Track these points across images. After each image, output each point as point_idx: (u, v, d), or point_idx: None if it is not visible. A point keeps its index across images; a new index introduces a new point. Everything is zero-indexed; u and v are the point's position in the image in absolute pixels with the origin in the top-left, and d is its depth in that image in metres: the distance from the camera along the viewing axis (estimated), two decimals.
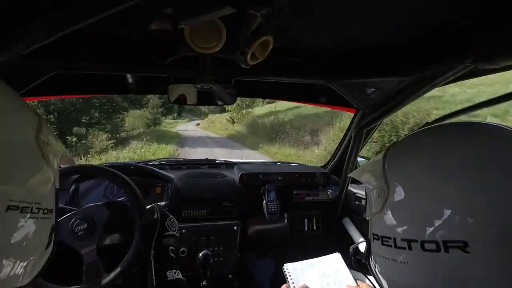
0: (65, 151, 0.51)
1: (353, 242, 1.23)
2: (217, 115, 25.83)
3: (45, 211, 0.41)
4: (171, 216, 0.94)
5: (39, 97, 1.06)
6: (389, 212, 0.45)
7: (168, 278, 0.78)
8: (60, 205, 0.96)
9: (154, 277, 0.79)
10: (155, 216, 0.88)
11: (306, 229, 1.49)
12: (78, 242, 0.84)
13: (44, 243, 0.42)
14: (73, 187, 1.17)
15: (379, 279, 0.51)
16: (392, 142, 0.56)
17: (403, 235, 0.41)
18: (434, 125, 0.56)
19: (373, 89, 1.05)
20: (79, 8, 0.44)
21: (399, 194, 0.44)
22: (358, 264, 0.65)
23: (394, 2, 0.56)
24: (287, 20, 0.65)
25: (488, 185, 0.37)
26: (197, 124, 28.43)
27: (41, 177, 0.41)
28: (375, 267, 0.51)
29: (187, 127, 26.69)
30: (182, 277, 0.81)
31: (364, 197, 1.31)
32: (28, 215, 0.37)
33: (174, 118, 39.14)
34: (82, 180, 1.22)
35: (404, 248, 0.41)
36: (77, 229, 0.85)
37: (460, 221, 0.36)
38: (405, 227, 0.42)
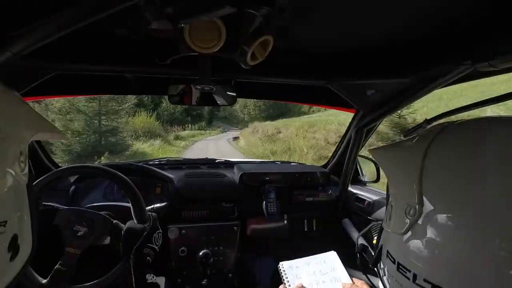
0: (40, 119, 0.43)
1: (353, 243, 1.23)
2: (266, 122, 16.83)
3: (2, 223, 0.34)
4: (159, 230, 0.97)
5: (39, 97, 1.06)
6: (414, 240, 0.35)
7: (148, 281, 0.84)
8: (60, 205, 0.96)
9: (133, 280, 0.84)
10: (147, 224, 0.91)
11: (305, 229, 1.49)
12: (78, 241, 0.84)
13: (3, 258, 0.35)
14: (73, 187, 1.17)
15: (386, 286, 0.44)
16: (440, 127, 0.39)
17: (428, 276, 0.33)
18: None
19: (373, 89, 1.05)
20: (79, 8, 0.44)
21: (435, 223, 0.33)
22: (362, 264, 0.59)
23: (394, 3, 0.56)
24: (287, 20, 0.65)
25: None
26: (234, 139, 18.19)
27: None
28: (385, 278, 0.44)
29: (217, 142, 17.43)
30: (157, 282, 0.90)
31: (364, 198, 1.31)
32: None
33: (201, 128, 27.99)
34: (82, 180, 1.22)
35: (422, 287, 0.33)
36: (78, 229, 0.85)
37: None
38: (433, 268, 0.33)
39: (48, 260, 0.81)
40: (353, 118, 1.33)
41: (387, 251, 0.41)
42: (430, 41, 0.69)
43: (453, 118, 0.47)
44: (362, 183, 1.50)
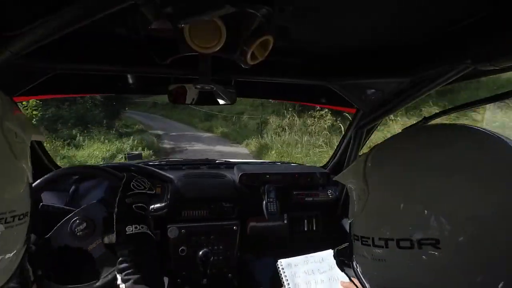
0: (36, 131, 0.47)
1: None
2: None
3: (21, 216, 0.37)
4: (138, 177, 0.91)
5: (38, 96, 1.07)
6: (368, 213, 0.47)
7: (127, 233, 0.75)
8: (60, 205, 0.96)
9: (115, 235, 0.78)
10: (123, 180, 0.87)
11: (305, 229, 1.49)
12: (79, 242, 0.84)
13: (20, 245, 0.39)
14: (73, 187, 1.17)
15: (361, 278, 0.53)
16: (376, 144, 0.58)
17: (380, 235, 0.44)
18: (418, 125, 0.59)
19: (373, 89, 1.05)
20: (79, 8, 0.44)
21: (377, 195, 0.46)
22: (342, 265, 0.66)
23: (394, 2, 0.56)
24: (287, 20, 0.65)
25: (461, 186, 0.39)
26: None
27: (13, 178, 0.37)
28: (357, 267, 0.53)
29: None
30: (146, 231, 0.78)
31: None
32: (2, 226, 0.34)
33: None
34: (82, 181, 1.22)
35: (382, 247, 0.43)
36: (77, 229, 0.85)
37: (433, 220, 0.39)
38: (382, 227, 0.44)
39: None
40: (353, 118, 1.33)
41: (354, 234, 0.51)
42: (430, 40, 0.69)
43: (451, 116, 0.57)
44: None
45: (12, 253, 0.38)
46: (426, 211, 0.39)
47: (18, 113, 0.42)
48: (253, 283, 1.41)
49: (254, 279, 1.42)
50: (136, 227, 0.77)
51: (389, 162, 0.49)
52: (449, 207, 0.39)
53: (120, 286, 0.70)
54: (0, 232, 0.34)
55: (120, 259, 0.74)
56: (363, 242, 0.47)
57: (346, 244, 0.63)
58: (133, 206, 0.82)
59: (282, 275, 0.87)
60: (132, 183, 0.86)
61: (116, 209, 0.80)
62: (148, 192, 0.89)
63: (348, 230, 1.33)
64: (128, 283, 0.69)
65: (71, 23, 0.45)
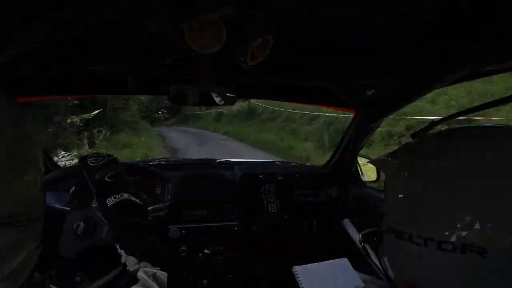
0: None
1: (353, 244, 1.23)
2: None
3: (35, 219, 0.37)
4: (90, 154, 0.83)
5: (39, 97, 1.07)
6: (408, 208, 0.45)
7: (108, 205, 0.71)
8: (59, 206, 0.96)
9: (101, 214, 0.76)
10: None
11: (306, 229, 1.49)
12: (81, 241, 0.85)
13: (33, 246, 0.39)
14: (73, 188, 1.17)
15: (388, 270, 0.51)
16: (423, 129, 0.55)
17: (420, 232, 0.41)
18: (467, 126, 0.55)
19: (373, 89, 1.05)
20: (79, 8, 0.44)
21: (421, 189, 0.44)
22: (366, 252, 0.66)
23: (394, 2, 0.56)
24: (287, 20, 0.65)
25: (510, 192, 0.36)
26: None
27: (27, 182, 0.37)
28: (385, 259, 0.51)
29: None
30: (126, 198, 0.74)
31: (364, 198, 1.31)
32: (16, 229, 0.34)
33: None
34: (81, 181, 1.22)
35: (419, 245, 0.41)
36: (78, 229, 0.85)
37: (480, 226, 0.36)
38: (423, 225, 0.42)
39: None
40: (353, 118, 1.33)
41: (388, 226, 0.48)
42: (430, 40, 0.69)
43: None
44: (362, 183, 1.50)
45: (25, 256, 0.37)
46: (475, 217, 0.37)
47: (29, 116, 0.42)
48: (253, 283, 1.41)
49: (254, 279, 1.42)
50: (115, 197, 0.72)
51: (442, 156, 0.44)
52: (501, 215, 0.36)
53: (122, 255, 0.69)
54: (16, 235, 0.34)
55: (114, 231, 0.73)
56: (399, 237, 0.45)
57: (374, 229, 0.62)
58: (105, 178, 0.76)
59: (298, 281, 0.89)
60: (89, 160, 0.80)
61: (93, 189, 0.77)
62: (108, 159, 0.82)
63: (348, 230, 1.33)
64: (123, 254, 0.67)
65: (71, 23, 0.45)
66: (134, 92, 1.24)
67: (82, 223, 0.86)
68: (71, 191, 1.16)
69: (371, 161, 0.52)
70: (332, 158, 1.59)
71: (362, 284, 0.82)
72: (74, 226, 0.85)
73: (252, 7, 0.53)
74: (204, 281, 1.23)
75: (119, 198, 0.72)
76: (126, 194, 0.74)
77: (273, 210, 1.33)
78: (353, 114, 1.33)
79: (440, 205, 0.40)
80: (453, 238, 0.38)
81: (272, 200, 1.35)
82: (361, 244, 0.66)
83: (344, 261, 0.95)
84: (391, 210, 0.50)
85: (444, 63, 0.68)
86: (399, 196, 0.48)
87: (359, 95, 1.10)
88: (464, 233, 0.37)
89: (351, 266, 0.92)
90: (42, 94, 1.05)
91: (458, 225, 0.38)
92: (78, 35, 0.63)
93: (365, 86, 1.06)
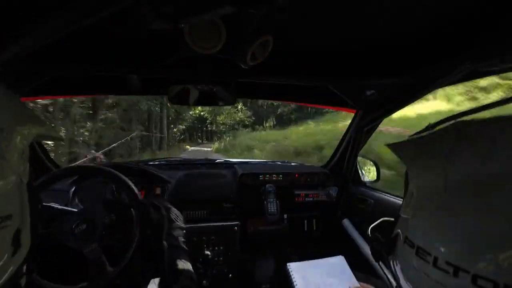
0: (40, 122, 0.44)
1: (353, 244, 1.23)
2: None
3: (1, 219, 0.34)
4: (174, 209, 0.95)
5: (38, 97, 1.07)
6: (438, 221, 0.35)
7: (178, 267, 0.76)
8: (60, 206, 0.96)
9: (166, 266, 0.78)
10: (162, 211, 0.89)
11: (305, 229, 1.49)
12: (78, 242, 0.84)
13: (4, 254, 0.35)
14: (73, 188, 1.17)
15: (400, 279, 0.43)
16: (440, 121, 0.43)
17: (450, 258, 0.31)
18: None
19: (373, 90, 1.05)
20: (79, 8, 0.44)
21: (462, 201, 0.32)
22: (376, 254, 0.56)
23: (394, 3, 0.56)
24: (287, 21, 0.65)
25: None
26: None
27: None
28: (397, 268, 0.43)
29: None
30: (191, 269, 0.79)
31: (364, 198, 1.31)
32: None
33: None
34: (81, 181, 1.22)
35: (447, 272, 0.31)
36: (77, 230, 0.85)
37: None
38: (456, 249, 0.32)
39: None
40: (353, 118, 1.33)
41: (405, 237, 0.39)
42: (430, 41, 0.69)
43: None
44: (362, 183, 1.50)
45: None
46: None
47: (16, 104, 0.39)
48: (253, 283, 1.41)
49: (254, 279, 1.42)
50: (184, 262, 0.78)
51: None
52: None
53: None
54: None
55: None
56: (420, 255, 0.35)
57: (386, 220, 0.50)
58: (180, 239, 0.85)
59: (292, 279, 0.87)
60: (172, 215, 0.90)
61: (165, 242, 0.82)
62: (183, 226, 0.92)
63: (348, 230, 1.33)
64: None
65: (71, 24, 0.45)
66: (134, 92, 1.23)
67: (81, 225, 0.86)
68: (70, 191, 1.16)
69: (388, 145, 0.40)
70: (332, 158, 1.59)
71: (357, 284, 0.82)
72: (73, 228, 0.85)
73: (252, 8, 0.53)
74: (204, 281, 1.23)
75: (187, 267, 0.78)
76: (189, 265, 0.80)
77: (273, 210, 1.33)
78: (353, 114, 1.33)
79: (487, 226, 0.30)
80: (497, 274, 0.28)
81: (272, 200, 1.34)
82: (372, 242, 0.58)
83: (340, 259, 0.95)
84: (412, 217, 0.39)
85: (444, 63, 0.68)
86: (423, 198, 0.38)
87: (359, 95, 1.10)
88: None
89: (347, 265, 0.92)
90: (42, 94, 1.05)
91: (507, 256, 0.28)
92: (78, 35, 0.63)
93: (365, 86, 1.05)
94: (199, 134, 30.61)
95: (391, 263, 0.44)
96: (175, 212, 0.93)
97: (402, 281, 0.41)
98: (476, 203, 0.31)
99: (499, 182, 0.30)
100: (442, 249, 0.33)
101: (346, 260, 0.96)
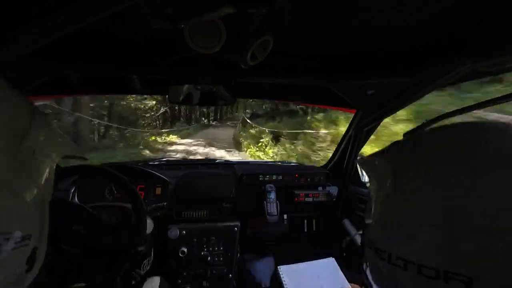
0: (68, 143, 0.44)
1: (354, 244, 1.23)
2: None
3: (22, 238, 0.34)
4: (151, 258, 0.96)
5: (38, 97, 1.07)
6: (389, 221, 0.40)
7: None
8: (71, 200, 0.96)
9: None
10: (143, 248, 0.90)
11: (305, 229, 1.49)
12: (76, 243, 0.84)
13: (20, 271, 0.35)
14: (73, 188, 1.17)
15: (371, 283, 0.47)
16: (415, 129, 0.51)
17: (399, 253, 0.36)
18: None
19: (373, 90, 1.05)
20: (79, 8, 0.44)
21: (402, 200, 0.38)
22: (348, 261, 0.61)
23: (394, 3, 0.56)
24: (287, 21, 0.65)
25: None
26: None
27: (19, 200, 0.34)
28: (367, 272, 0.47)
29: None
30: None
31: (364, 198, 1.31)
32: None
33: None
34: (82, 181, 1.22)
35: (399, 267, 0.36)
36: (76, 230, 0.85)
37: (467, 250, 0.30)
38: (403, 244, 0.37)
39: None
40: (353, 118, 1.33)
41: (368, 240, 0.45)
42: (430, 41, 0.69)
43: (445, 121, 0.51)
44: (362, 183, 1.50)
45: (11, 282, 0.34)
46: (467, 237, 0.30)
47: (48, 129, 0.40)
48: (253, 283, 1.41)
49: (254, 279, 1.42)
50: None
51: (441, 159, 0.36)
52: (497, 238, 0.29)
53: None
54: None
55: None
56: (379, 254, 0.40)
57: (355, 233, 0.56)
58: (132, 281, 0.92)
59: (283, 281, 0.87)
60: (144, 262, 0.97)
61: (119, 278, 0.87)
62: (140, 275, 0.98)
63: (348, 230, 1.33)
64: None
65: (71, 24, 0.45)
66: (134, 92, 1.23)
67: (82, 224, 0.86)
68: (71, 191, 1.16)
69: (357, 160, 0.46)
70: (332, 158, 1.59)
71: (348, 285, 0.82)
72: (74, 227, 0.85)
73: (252, 8, 0.53)
74: (204, 282, 1.23)
75: None
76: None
77: (273, 210, 1.33)
78: (353, 114, 1.33)
79: (425, 220, 0.34)
80: (435, 263, 0.32)
81: (272, 200, 1.34)
82: (343, 252, 0.63)
83: (331, 261, 0.95)
84: (372, 221, 0.45)
85: (444, 63, 0.68)
86: (379, 204, 0.43)
87: (359, 95, 1.10)
88: (450, 258, 0.31)
89: (337, 266, 0.92)
90: (42, 94, 1.05)
91: (443, 246, 0.32)
92: (78, 35, 0.63)
93: (365, 86, 1.05)
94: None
95: (363, 265, 0.49)
96: (149, 260, 0.99)
97: (371, 282, 0.46)
98: (422, 196, 0.36)
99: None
100: (394, 245, 0.38)
101: (346, 260, 0.96)
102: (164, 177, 1.31)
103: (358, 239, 1.24)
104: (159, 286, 1.03)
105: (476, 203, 0.31)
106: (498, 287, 0.29)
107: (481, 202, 0.31)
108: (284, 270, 0.91)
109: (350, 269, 0.97)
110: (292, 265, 0.93)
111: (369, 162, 0.53)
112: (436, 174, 0.36)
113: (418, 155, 0.40)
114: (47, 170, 0.39)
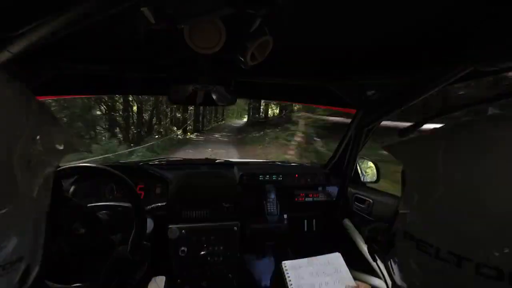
0: (71, 144, 0.42)
1: (353, 244, 1.23)
2: None
3: (12, 263, 0.31)
4: (145, 266, 0.95)
5: (39, 97, 1.07)
6: (438, 211, 0.35)
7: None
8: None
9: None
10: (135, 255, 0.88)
11: (305, 229, 1.49)
12: (75, 243, 0.84)
13: None
14: (72, 188, 1.17)
15: (397, 279, 0.43)
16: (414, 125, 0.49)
17: (452, 248, 0.31)
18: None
19: (373, 89, 1.05)
20: (79, 9, 0.44)
21: (460, 189, 0.33)
22: (373, 254, 0.55)
23: (394, 3, 0.56)
24: (287, 21, 0.65)
25: None
26: None
27: (11, 219, 0.31)
28: (395, 265, 0.43)
29: None
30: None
31: (364, 198, 1.31)
32: None
33: None
34: (82, 181, 1.22)
35: (449, 262, 0.31)
36: (75, 230, 0.84)
37: None
38: (458, 238, 0.32)
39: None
40: (353, 118, 1.33)
41: (404, 232, 0.39)
42: (430, 41, 0.69)
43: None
44: (362, 183, 1.51)
45: None
46: None
47: (53, 136, 0.38)
48: (253, 283, 1.41)
49: (254, 279, 1.42)
50: None
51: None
52: None
53: None
54: None
55: None
56: (420, 247, 0.35)
57: (380, 225, 0.50)
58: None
59: (286, 277, 0.86)
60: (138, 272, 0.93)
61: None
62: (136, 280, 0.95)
63: (348, 230, 1.32)
64: None
65: (71, 24, 0.45)
66: (134, 92, 1.24)
67: (80, 225, 0.86)
68: (70, 191, 1.16)
69: (383, 146, 0.42)
70: (332, 158, 1.59)
71: (353, 283, 0.81)
72: (74, 227, 0.85)
73: (252, 8, 0.53)
74: (204, 282, 1.23)
75: None
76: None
77: (272, 210, 1.33)
78: (353, 114, 1.33)
79: (489, 212, 0.30)
80: (501, 261, 0.27)
81: (271, 200, 1.35)
82: (366, 241, 0.59)
83: (337, 256, 0.94)
84: (411, 211, 0.40)
85: (444, 63, 0.68)
86: (420, 191, 0.38)
87: (359, 95, 1.10)
88: None
89: (343, 263, 0.91)
90: (41, 94, 1.05)
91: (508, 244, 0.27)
92: (78, 35, 0.63)
93: (365, 86, 1.05)
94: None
95: (389, 262, 0.44)
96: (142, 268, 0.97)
97: (398, 279, 0.41)
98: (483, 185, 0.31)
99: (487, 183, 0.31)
100: (444, 239, 0.33)
101: (346, 260, 0.96)
102: (164, 177, 1.31)
103: (358, 238, 1.24)
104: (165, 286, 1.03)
105: None
106: None
107: None
108: (289, 265, 0.90)
109: (355, 268, 0.97)
110: (296, 260, 0.92)
111: (399, 148, 0.48)
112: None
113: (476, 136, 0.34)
114: (45, 179, 0.36)
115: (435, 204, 0.35)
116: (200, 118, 16.50)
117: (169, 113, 13.49)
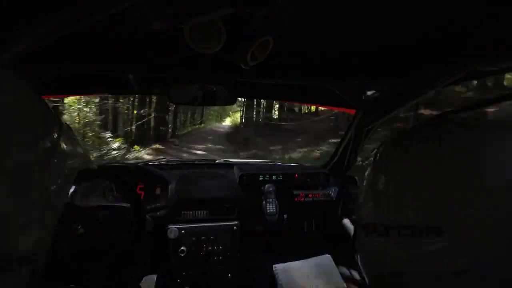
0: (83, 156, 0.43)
1: (353, 244, 1.23)
2: None
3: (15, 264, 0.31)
4: (148, 259, 0.97)
5: None
6: (372, 200, 0.49)
7: None
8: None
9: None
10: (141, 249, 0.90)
11: (305, 229, 1.49)
12: (75, 243, 0.84)
13: None
14: (72, 188, 1.17)
15: (362, 269, 0.55)
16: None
17: (381, 220, 0.44)
18: None
19: (373, 89, 1.05)
20: (79, 8, 0.44)
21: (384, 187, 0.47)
22: (336, 260, 0.68)
23: (394, 3, 0.56)
24: (287, 21, 0.65)
25: None
26: None
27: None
28: (359, 260, 0.55)
29: None
30: None
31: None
32: None
33: None
34: (82, 181, 1.22)
35: (382, 235, 0.42)
36: (75, 230, 0.84)
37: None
38: (385, 213, 0.44)
39: None
40: (353, 118, 1.33)
41: (358, 225, 0.52)
42: (430, 41, 0.69)
43: None
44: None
45: None
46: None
47: (73, 148, 0.38)
48: (253, 283, 1.41)
49: (253, 279, 1.41)
50: None
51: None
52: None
53: None
54: None
55: None
56: (365, 230, 0.47)
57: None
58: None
59: (278, 280, 0.87)
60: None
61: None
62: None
63: (348, 230, 1.33)
64: None
65: (71, 24, 0.45)
66: (134, 92, 1.24)
67: (80, 225, 0.86)
68: (70, 191, 1.16)
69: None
70: (332, 158, 1.59)
71: (344, 284, 0.82)
72: (73, 227, 0.85)
73: (252, 8, 0.53)
74: (204, 281, 1.23)
75: None
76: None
77: (272, 210, 1.33)
78: (353, 114, 1.33)
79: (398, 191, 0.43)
80: (419, 221, 0.39)
81: (271, 200, 1.34)
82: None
83: (327, 258, 0.94)
84: (361, 207, 0.52)
85: (444, 63, 0.68)
86: (366, 191, 0.51)
87: (359, 95, 1.10)
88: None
89: (334, 265, 0.91)
90: (42, 94, 1.05)
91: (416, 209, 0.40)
92: (78, 34, 0.63)
93: (365, 86, 1.05)
94: None
95: (357, 259, 0.52)
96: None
97: (363, 269, 0.50)
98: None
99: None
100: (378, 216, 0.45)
101: (346, 260, 0.96)
102: (164, 177, 1.31)
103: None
104: (155, 284, 1.02)
105: None
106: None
107: None
108: (280, 269, 0.90)
109: (355, 268, 0.97)
110: (287, 263, 0.93)
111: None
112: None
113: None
114: (62, 184, 0.36)
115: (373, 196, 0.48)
116: (170, 118, 10.75)
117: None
